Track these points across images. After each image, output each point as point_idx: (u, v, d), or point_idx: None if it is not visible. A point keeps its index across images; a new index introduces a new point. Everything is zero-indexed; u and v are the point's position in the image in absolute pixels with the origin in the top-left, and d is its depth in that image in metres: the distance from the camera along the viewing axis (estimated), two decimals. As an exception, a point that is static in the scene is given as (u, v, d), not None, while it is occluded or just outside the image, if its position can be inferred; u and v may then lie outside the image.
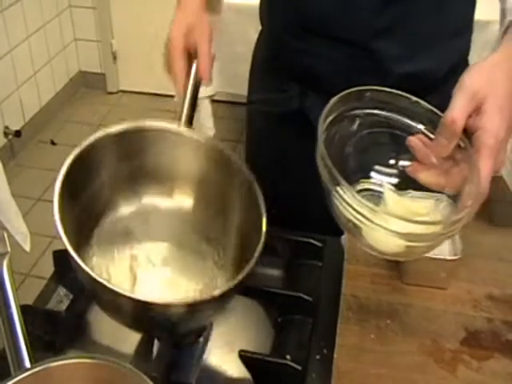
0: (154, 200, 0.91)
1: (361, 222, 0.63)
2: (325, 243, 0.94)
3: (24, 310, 0.85)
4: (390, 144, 0.75)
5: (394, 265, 0.82)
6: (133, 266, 0.85)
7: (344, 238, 0.93)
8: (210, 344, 0.83)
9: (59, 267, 0.94)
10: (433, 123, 0.70)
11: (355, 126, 0.75)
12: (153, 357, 0.81)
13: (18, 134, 2.85)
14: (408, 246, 0.63)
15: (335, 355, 0.71)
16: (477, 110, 0.67)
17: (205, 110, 2.34)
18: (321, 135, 0.67)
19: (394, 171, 0.75)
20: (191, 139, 0.87)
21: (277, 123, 0.97)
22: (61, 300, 0.91)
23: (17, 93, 2.92)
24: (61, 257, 0.92)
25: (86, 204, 0.83)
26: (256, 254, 0.74)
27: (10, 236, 1.80)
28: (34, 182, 2.79)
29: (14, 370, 0.66)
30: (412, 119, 0.73)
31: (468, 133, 0.67)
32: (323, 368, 0.78)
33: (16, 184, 2.65)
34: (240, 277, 0.72)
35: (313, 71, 0.98)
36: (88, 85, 3.47)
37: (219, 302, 0.73)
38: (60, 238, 0.71)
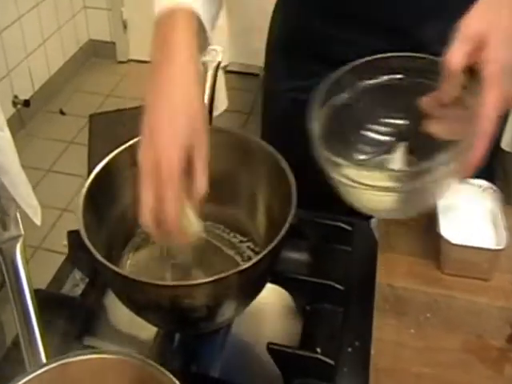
0: None
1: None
2: (354, 227, 0.89)
3: (38, 294, 0.81)
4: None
5: (433, 253, 0.76)
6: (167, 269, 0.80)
7: (374, 222, 0.88)
8: (232, 333, 0.78)
9: (74, 249, 0.88)
10: None
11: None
12: (173, 347, 0.76)
13: (26, 103, 2.81)
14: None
15: (372, 351, 0.66)
16: (480, 48, 0.64)
17: (217, 81, 2.28)
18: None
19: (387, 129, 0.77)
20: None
21: (302, 108, 0.90)
22: (76, 284, 0.87)
23: (26, 61, 2.87)
24: (76, 237, 0.87)
25: (113, 225, 0.80)
26: (286, 225, 0.69)
27: (19, 208, 1.76)
28: (44, 153, 2.76)
29: (30, 365, 0.62)
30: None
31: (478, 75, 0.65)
32: (355, 362, 0.73)
33: (25, 155, 2.60)
34: (268, 249, 0.67)
35: (343, 59, 0.91)
36: (98, 54, 3.41)
37: (248, 285, 0.69)
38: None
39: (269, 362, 0.74)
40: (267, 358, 0.74)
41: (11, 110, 2.78)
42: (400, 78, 0.75)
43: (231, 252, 0.82)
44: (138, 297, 0.68)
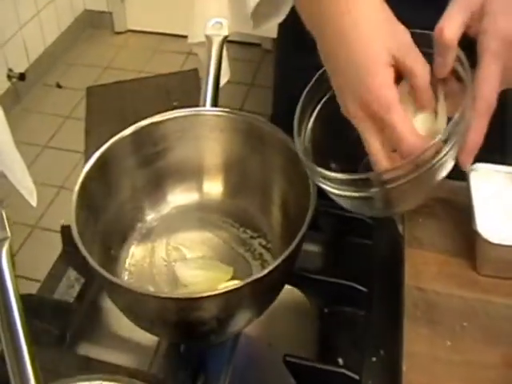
0: (183, 197, 0.79)
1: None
2: (374, 218, 0.81)
3: (28, 300, 0.74)
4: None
5: (466, 250, 0.68)
6: (172, 265, 0.74)
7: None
8: (243, 340, 0.71)
9: (68, 245, 0.81)
10: None
11: None
12: (178, 357, 0.69)
13: (22, 77, 2.73)
14: None
15: (404, 367, 0.59)
16: (478, 17, 0.59)
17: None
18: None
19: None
20: (216, 119, 0.76)
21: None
22: (71, 285, 0.79)
23: (20, 33, 2.79)
24: (70, 233, 0.79)
25: (109, 221, 0.73)
26: (304, 226, 0.62)
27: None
28: (40, 128, 2.70)
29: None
30: None
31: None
32: (380, 374, 0.66)
33: (21, 130, 2.55)
34: (285, 254, 0.59)
35: None
36: (94, 24, 3.31)
37: (262, 294, 0.61)
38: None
39: (284, 374, 0.67)
40: (282, 368, 0.67)
41: (6, 84, 2.71)
42: None
43: (241, 249, 0.75)
44: (139, 309, 0.61)
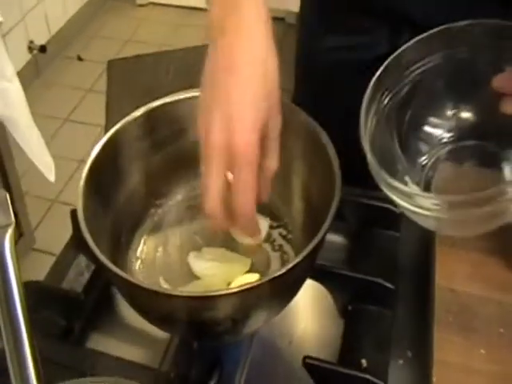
0: (198, 183, 0.73)
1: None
2: (403, 208, 0.75)
3: (34, 288, 0.70)
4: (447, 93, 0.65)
5: (504, 250, 0.63)
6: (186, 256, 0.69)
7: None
8: (260, 338, 0.66)
9: (79, 231, 0.76)
10: None
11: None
12: (191, 353, 0.65)
13: (43, 49, 2.70)
14: None
15: (434, 378, 0.54)
16: None
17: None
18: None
19: (452, 123, 0.66)
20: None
21: (351, 73, 0.74)
22: (81, 272, 0.75)
23: (41, 5, 2.74)
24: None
25: (120, 207, 0.69)
26: (329, 218, 0.57)
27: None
28: (61, 101, 2.68)
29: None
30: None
31: None
32: (407, 379, 0.61)
33: (41, 104, 2.52)
34: (309, 248, 0.54)
35: (393, 10, 0.75)
36: (116, -4, 3.24)
37: (281, 292, 0.57)
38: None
39: (304, 374, 0.62)
40: (302, 370, 0.62)
41: (27, 56, 2.68)
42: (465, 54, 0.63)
43: (260, 240, 0.70)
44: (148, 305, 0.57)
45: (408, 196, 0.54)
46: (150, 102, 0.70)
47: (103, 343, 0.70)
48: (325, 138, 0.64)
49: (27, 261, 1.97)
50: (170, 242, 0.71)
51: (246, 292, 0.51)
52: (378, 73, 0.61)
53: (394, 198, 0.56)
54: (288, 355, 0.66)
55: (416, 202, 0.53)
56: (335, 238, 0.78)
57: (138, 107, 0.69)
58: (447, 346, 0.56)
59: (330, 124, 0.66)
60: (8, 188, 1.81)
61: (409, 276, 0.69)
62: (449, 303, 0.59)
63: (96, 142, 0.66)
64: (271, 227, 0.71)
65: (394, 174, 0.60)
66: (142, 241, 0.71)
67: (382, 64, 0.62)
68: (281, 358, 0.66)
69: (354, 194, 0.78)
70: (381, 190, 0.73)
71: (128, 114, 0.69)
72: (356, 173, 0.68)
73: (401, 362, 0.63)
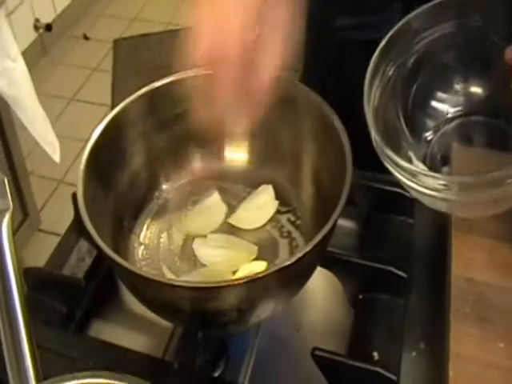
0: (203, 165, 0.71)
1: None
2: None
3: (35, 275, 0.68)
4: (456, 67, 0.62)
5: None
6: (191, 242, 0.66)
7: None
8: (266, 328, 0.64)
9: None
10: None
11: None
12: (195, 343, 0.63)
13: (48, 27, 2.66)
14: None
15: (450, 372, 0.51)
16: None
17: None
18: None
19: (461, 98, 0.63)
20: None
21: (362, 52, 0.71)
22: (82, 257, 0.73)
23: (47, -17, 2.68)
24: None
25: (122, 191, 0.66)
26: (341, 201, 0.54)
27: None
28: (67, 81, 2.64)
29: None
30: None
31: None
32: (421, 371, 0.59)
33: (47, 83, 2.50)
34: (319, 237, 0.51)
35: None
36: (123, -26, 3.18)
37: (289, 282, 0.54)
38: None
39: (312, 365, 0.60)
40: (310, 361, 0.60)
41: (33, 35, 2.64)
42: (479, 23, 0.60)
43: (267, 225, 0.67)
44: (153, 296, 0.54)
45: (413, 175, 0.51)
46: (155, 80, 0.67)
47: (105, 331, 0.68)
48: (337, 121, 0.61)
49: (33, 242, 1.96)
50: (174, 227, 0.68)
51: (253, 282, 0.49)
52: (382, 42, 0.58)
53: (400, 177, 0.53)
54: (296, 345, 0.64)
55: (422, 182, 0.51)
56: (346, 223, 0.75)
57: (142, 87, 0.66)
58: (464, 338, 0.53)
59: (339, 105, 0.63)
60: (12, 168, 1.79)
61: (422, 264, 0.66)
62: (465, 293, 0.57)
63: (102, 122, 0.63)
64: (279, 212, 0.68)
65: (398, 150, 0.57)
66: (146, 225, 0.68)
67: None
68: (288, 348, 0.64)
69: (366, 178, 0.75)
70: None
71: (133, 93, 0.66)
72: (366, 155, 0.65)
73: (414, 353, 0.60)
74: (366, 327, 0.64)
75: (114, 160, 0.66)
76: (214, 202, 0.68)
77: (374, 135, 0.54)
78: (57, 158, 1.77)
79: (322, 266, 0.66)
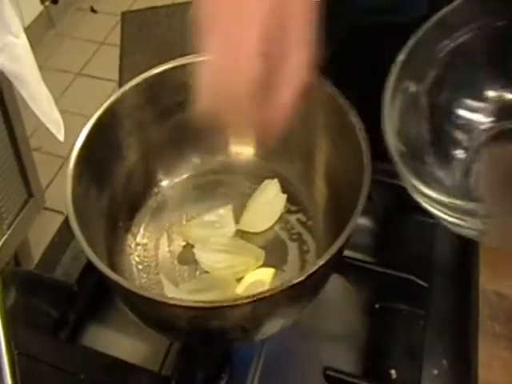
0: (206, 159, 0.66)
1: None
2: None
3: (24, 277, 0.63)
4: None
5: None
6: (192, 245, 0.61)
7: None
8: (273, 339, 0.58)
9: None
10: None
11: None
12: (194, 355, 0.57)
13: (54, 0, 2.57)
14: None
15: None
16: None
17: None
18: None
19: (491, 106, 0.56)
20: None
21: (386, 36, 0.65)
22: (76, 256, 0.67)
23: (52, -47, 2.61)
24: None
25: (117, 188, 0.61)
26: (359, 206, 0.50)
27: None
28: (73, 55, 2.59)
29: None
30: None
31: None
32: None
33: (54, 57, 2.45)
34: (333, 249, 0.46)
35: None
36: None
37: (299, 298, 0.49)
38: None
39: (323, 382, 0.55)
40: (320, 376, 0.55)
41: (39, 8, 2.58)
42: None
43: (276, 226, 0.62)
44: (148, 313, 0.49)
45: (445, 206, 0.45)
46: (164, 55, 0.62)
47: (99, 339, 0.63)
48: (354, 116, 0.55)
49: (38, 221, 1.92)
50: (173, 227, 0.63)
51: (258, 302, 0.43)
52: (404, 51, 0.51)
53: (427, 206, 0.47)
54: (306, 358, 0.58)
55: (456, 214, 0.44)
56: (360, 220, 0.69)
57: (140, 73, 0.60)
58: (493, 361, 0.48)
59: (355, 92, 0.57)
60: (15, 145, 1.74)
61: (445, 272, 0.60)
62: (495, 309, 0.51)
63: (109, 97, 0.58)
64: (289, 211, 0.63)
65: (422, 171, 0.51)
66: (143, 225, 0.63)
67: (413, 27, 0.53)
68: (297, 360, 0.59)
69: (383, 172, 0.69)
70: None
71: (142, 68, 0.61)
72: (384, 146, 0.59)
73: (435, 372, 0.55)
74: (383, 340, 0.58)
75: (109, 153, 0.61)
76: (224, 216, 0.62)
77: (396, 161, 0.48)
78: (61, 136, 1.71)
79: (336, 271, 0.60)
